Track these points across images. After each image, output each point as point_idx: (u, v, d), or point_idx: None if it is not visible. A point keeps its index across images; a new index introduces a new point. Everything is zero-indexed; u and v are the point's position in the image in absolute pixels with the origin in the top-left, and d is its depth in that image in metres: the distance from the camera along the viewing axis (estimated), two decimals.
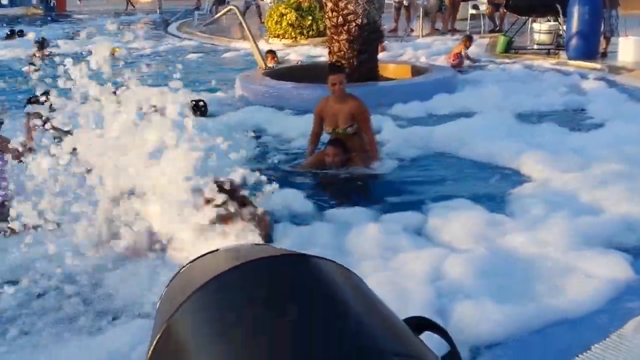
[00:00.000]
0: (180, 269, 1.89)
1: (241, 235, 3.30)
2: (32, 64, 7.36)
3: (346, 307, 1.42)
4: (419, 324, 1.51)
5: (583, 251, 3.72)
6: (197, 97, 7.92)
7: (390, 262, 3.67)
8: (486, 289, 3.28)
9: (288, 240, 3.92)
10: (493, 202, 4.73)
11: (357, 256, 3.76)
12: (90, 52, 3.86)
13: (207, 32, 18.51)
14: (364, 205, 4.76)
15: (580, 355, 2.76)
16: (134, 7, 31.46)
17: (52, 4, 30.71)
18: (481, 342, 2.93)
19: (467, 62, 11.24)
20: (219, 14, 14.53)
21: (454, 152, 6.14)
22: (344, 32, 8.94)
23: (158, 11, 27.74)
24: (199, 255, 1.90)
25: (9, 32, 18.00)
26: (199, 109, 7.66)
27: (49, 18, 27.22)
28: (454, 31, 15.36)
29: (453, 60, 10.96)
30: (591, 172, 5.15)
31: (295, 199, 4.81)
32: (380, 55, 11.86)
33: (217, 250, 1.93)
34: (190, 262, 1.90)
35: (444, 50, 12.43)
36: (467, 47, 11.32)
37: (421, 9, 15.48)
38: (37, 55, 12.07)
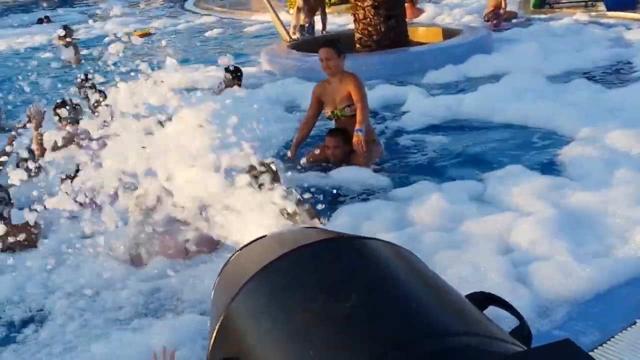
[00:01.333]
0: (231, 257, 1.90)
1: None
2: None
3: (406, 289, 1.40)
4: (483, 299, 1.45)
5: None
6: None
7: (458, 233, 3.62)
8: (560, 249, 3.26)
9: (348, 220, 3.86)
10: (545, 165, 4.63)
11: (425, 230, 3.70)
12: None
13: (226, 6, 18.27)
14: (411, 179, 4.65)
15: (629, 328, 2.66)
16: None
17: None
18: (562, 303, 2.90)
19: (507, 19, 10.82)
20: None
21: (488, 118, 5.89)
22: None
23: None
24: (248, 242, 1.90)
25: (41, 18, 18.98)
26: (233, 74, 7.54)
27: (64, 2, 27.09)
28: None
29: (492, 22, 10.53)
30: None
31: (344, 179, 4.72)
32: (418, 19, 11.62)
33: (264, 236, 1.91)
34: (239, 250, 1.91)
35: (477, 10, 11.99)
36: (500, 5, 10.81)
37: None
38: (61, 42, 11.93)
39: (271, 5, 11.63)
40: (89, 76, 7.17)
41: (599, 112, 5.48)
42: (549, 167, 4.59)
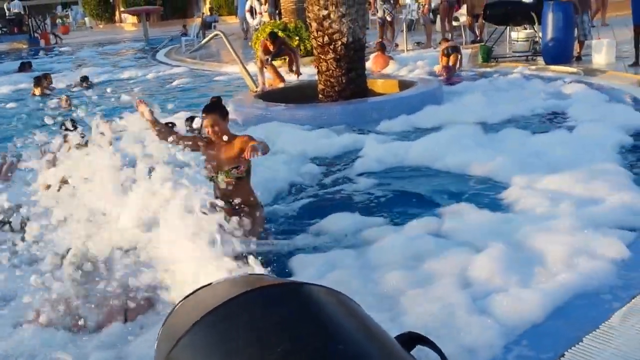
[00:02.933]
0: (174, 307, 1.89)
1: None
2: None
3: (336, 334, 1.46)
4: (411, 340, 1.59)
5: (591, 234, 4.08)
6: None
7: (419, 271, 3.86)
8: (514, 280, 3.61)
9: (307, 271, 3.98)
10: (488, 205, 5.01)
11: (386, 270, 3.90)
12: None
13: (197, 58, 18.71)
14: (367, 221, 4.93)
15: (572, 348, 2.97)
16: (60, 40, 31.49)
17: (36, 38, 30.78)
18: (519, 329, 3.19)
19: (457, 72, 11.58)
20: (205, 40, 14.75)
21: (432, 164, 6.33)
22: (330, 51, 9.17)
23: (145, 39, 27.95)
24: (193, 290, 1.89)
25: (21, 65, 19.06)
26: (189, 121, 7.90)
27: (33, 52, 27.33)
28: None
29: (444, 75, 11.30)
30: (579, 169, 5.44)
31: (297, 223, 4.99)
32: (387, 69, 12.36)
33: (210, 284, 1.92)
34: (183, 299, 1.89)
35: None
36: (449, 62, 11.59)
37: (404, 24, 15.83)
38: (36, 93, 12.24)
39: (239, 57, 12.18)
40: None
41: (543, 156, 6.02)
42: (492, 206, 4.96)
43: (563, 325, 3.20)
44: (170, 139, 4.20)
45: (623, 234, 4.13)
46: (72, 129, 4.00)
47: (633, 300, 3.34)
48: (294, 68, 11.67)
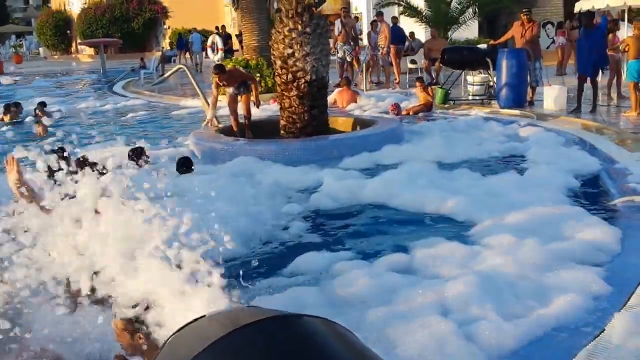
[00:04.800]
0: (166, 341, 1.83)
1: None
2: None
3: None
4: None
5: (556, 269, 4.25)
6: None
7: (397, 305, 3.91)
8: (491, 307, 3.75)
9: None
10: (457, 241, 5.07)
11: (362, 307, 3.93)
12: None
13: (155, 91, 18.62)
14: (332, 258, 4.92)
15: None
16: None
17: None
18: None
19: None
20: (168, 73, 14.76)
21: (386, 202, 6.39)
22: (293, 89, 9.27)
23: (102, 71, 27.69)
24: (184, 324, 1.83)
25: None
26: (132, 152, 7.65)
27: None
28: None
29: (394, 114, 11.67)
30: (538, 208, 5.62)
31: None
32: (351, 107, 12.58)
33: (204, 316, 1.86)
34: (175, 332, 1.83)
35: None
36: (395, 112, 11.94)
37: (363, 65, 16.19)
38: (5, 119, 12.19)
39: (200, 91, 12.22)
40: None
41: (485, 196, 6.19)
42: (457, 241, 5.02)
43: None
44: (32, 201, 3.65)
45: (589, 269, 4.29)
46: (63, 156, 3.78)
47: (596, 339, 3.42)
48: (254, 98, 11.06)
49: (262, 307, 2.57)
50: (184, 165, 7.71)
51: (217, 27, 26.44)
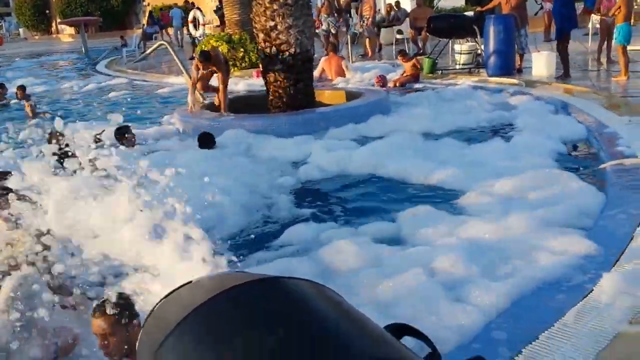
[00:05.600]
0: (155, 307, 1.81)
1: None
2: None
3: (327, 325, 1.45)
4: (399, 330, 1.57)
5: (545, 232, 4.27)
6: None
7: (385, 269, 3.94)
8: (478, 271, 3.80)
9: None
10: (443, 208, 5.10)
11: (351, 272, 3.98)
12: None
13: (138, 69, 18.43)
14: (322, 227, 4.97)
15: (529, 346, 3.04)
16: None
17: None
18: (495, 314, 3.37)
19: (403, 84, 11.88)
20: (150, 50, 14.55)
21: (373, 172, 6.43)
22: (278, 63, 9.18)
23: (83, 50, 27.29)
24: (172, 289, 1.81)
25: None
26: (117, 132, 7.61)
27: None
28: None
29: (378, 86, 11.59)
30: (525, 175, 5.62)
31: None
32: (338, 80, 12.49)
33: (190, 281, 1.84)
34: (164, 298, 1.82)
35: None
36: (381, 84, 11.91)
37: (348, 37, 16.04)
38: None
39: (184, 67, 12.06)
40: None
41: (472, 164, 6.21)
42: (443, 209, 5.07)
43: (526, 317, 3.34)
44: None
45: (576, 232, 4.31)
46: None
47: (585, 299, 3.44)
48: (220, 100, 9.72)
49: (248, 272, 2.69)
50: (206, 140, 7.66)
51: (186, 1, 26.04)
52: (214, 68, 9.47)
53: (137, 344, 1.72)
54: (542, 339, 3.10)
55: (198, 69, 9.60)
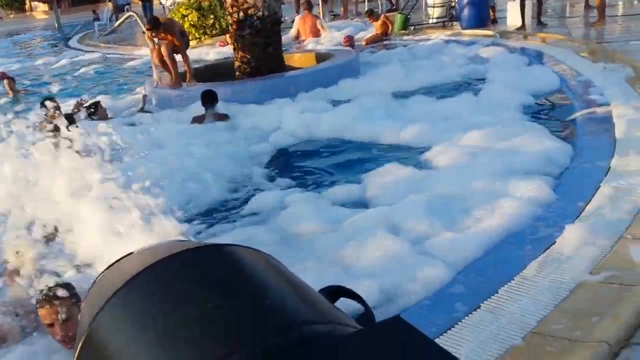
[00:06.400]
0: (96, 278, 1.80)
1: None
2: None
3: (261, 290, 1.45)
4: (334, 292, 1.58)
5: (510, 184, 4.22)
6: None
7: (348, 229, 3.91)
8: (442, 224, 3.78)
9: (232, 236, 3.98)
10: (410, 166, 5.04)
11: (317, 234, 3.95)
12: None
13: (110, 42, 18.08)
14: (287, 190, 4.93)
15: (488, 300, 2.99)
16: None
17: None
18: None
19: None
20: (118, 22, 14.24)
21: (342, 135, 6.32)
22: (246, 27, 8.96)
23: (57, 26, 26.72)
24: (114, 261, 1.80)
25: None
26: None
27: None
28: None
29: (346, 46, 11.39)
30: (493, 128, 5.53)
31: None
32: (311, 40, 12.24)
33: (131, 253, 1.85)
34: (105, 269, 1.82)
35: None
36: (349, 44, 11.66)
37: None
38: None
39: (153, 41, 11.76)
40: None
41: (441, 120, 6.12)
42: (409, 166, 5.01)
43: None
44: None
45: (541, 184, 4.23)
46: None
47: (547, 250, 3.37)
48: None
49: (190, 240, 2.56)
50: (209, 97, 7.52)
51: None
52: (170, 37, 8.99)
53: (78, 318, 1.66)
54: (502, 292, 3.04)
55: (152, 40, 9.25)
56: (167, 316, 1.38)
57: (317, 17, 13.13)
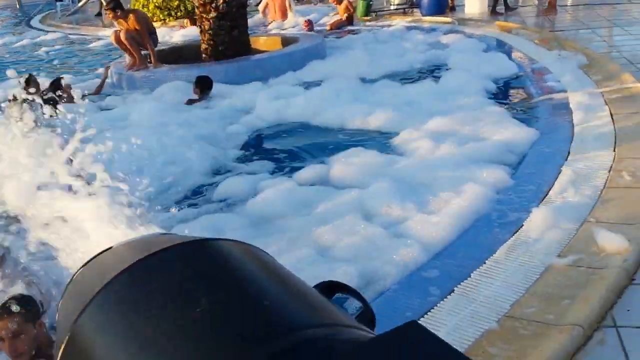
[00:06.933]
0: (75, 274, 1.59)
1: None
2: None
3: (257, 287, 1.32)
4: (330, 288, 1.40)
5: (474, 169, 4.18)
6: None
7: (319, 213, 3.84)
8: (412, 210, 3.73)
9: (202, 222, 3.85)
10: (376, 151, 4.95)
11: (287, 217, 3.87)
12: None
13: (73, 23, 17.41)
14: (257, 174, 4.80)
15: (461, 284, 2.94)
16: None
17: None
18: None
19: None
20: (81, 3, 13.65)
21: (312, 120, 6.17)
22: (212, 10, 8.71)
23: (17, 5, 25.64)
24: (92, 256, 1.59)
25: None
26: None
27: None
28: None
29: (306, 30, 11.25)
30: (456, 114, 5.51)
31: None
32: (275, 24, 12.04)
33: (111, 247, 1.65)
34: (83, 265, 1.61)
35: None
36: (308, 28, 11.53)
37: None
38: None
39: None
40: None
41: (404, 105, 6.05)
42: (375, 151, 4.94)
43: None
44: None
45: (503, 168, 4.25)
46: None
47: (515, 234, 3.34)
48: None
49: (174, 233, 2.49)
50: (204, 84, 7.28)
51: None
52: (129, 25, 8.56)
53: (56, 316, 1.50)
54: (475, 276, 3.00)
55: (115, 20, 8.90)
56: (153, 323, 1.23)
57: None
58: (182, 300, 1.25)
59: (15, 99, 4.45)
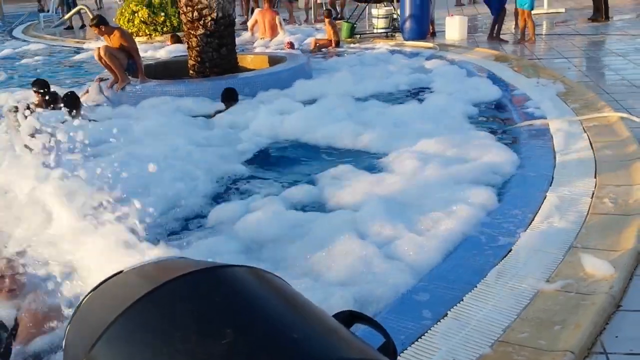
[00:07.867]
0: (83, 299, 1.61)
1: None
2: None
3: (281, 318, 1.29)
4: (349, 318, 1.42)
5: (461, 192, 4.21)
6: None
7: (313, 233, 3.81)
8: (402, 229, 3.75)
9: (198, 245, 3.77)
10: (364, 170, 5.00)
11: (279, 240, 3.83)
12: None
13: (57, 34, 17.22)
14: (247, 193, 4.79)
15: (454, 308, 2.94)
16: None
17: None
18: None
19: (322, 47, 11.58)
20: (68, 15, 13.54)
21: (302, 137, 6.20)
22: (200, 27, 8.70)
23: None
24: (101, 281, 1.62)
25: None
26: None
27: None
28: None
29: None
30: (442, 136, 5.55)
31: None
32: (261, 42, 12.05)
33: (121, 271, 1.64)
34: (92, 290, 1.62)
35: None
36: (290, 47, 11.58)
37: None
38: None
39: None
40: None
41: (392, 127, 6.10)
42: (364, 171, 4.97)
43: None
44: None
45: (489, 191, 4.28)
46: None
47: (504, 258, 3.37)
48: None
49: (185, 257, 2.43)
50: (229, 96, 7.31)
51: None
52: (113, 43, 8.45)
53: (63, 342, 1.50)
54: (467, 300, 3.01)
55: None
56: (173, 354, 1.19)
57: (277, 13, 12.88)
58: (204, 332, 1.20)
59: (16, 109, 4.37)
